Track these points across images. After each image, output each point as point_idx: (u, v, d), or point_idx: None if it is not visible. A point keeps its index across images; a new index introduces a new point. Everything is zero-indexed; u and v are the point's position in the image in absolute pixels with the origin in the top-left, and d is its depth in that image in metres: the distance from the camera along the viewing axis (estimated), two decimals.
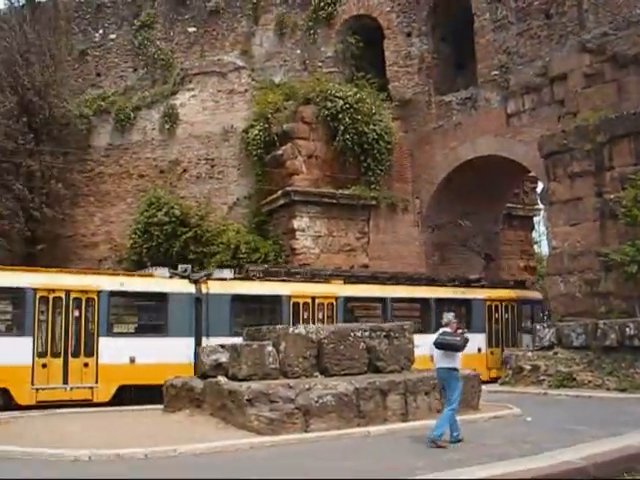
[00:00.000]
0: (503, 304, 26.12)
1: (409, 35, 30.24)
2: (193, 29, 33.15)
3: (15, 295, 18.54)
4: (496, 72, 27.12)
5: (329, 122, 27.95)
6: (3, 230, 26.76)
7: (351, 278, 23.99)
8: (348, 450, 11.30)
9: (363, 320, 21.19)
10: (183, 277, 21.05)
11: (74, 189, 30.77)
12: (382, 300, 23.62)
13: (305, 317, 21.92)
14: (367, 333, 15.00)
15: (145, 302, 21.00)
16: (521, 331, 26.14)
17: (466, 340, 11.92)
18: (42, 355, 18.18)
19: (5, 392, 17.40)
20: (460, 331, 12.13)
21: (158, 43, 33.17)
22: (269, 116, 28.84)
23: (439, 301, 24.32)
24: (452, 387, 11.83)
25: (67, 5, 33.13)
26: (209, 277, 21.43)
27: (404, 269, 26.96)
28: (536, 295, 28.10)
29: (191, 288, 20.64)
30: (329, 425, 12.70)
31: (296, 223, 27.20)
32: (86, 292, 18.94)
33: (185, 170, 30.90)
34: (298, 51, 31.83)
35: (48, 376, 18.10)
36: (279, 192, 27.78)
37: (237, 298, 21.12)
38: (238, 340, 19.74)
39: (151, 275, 21.16)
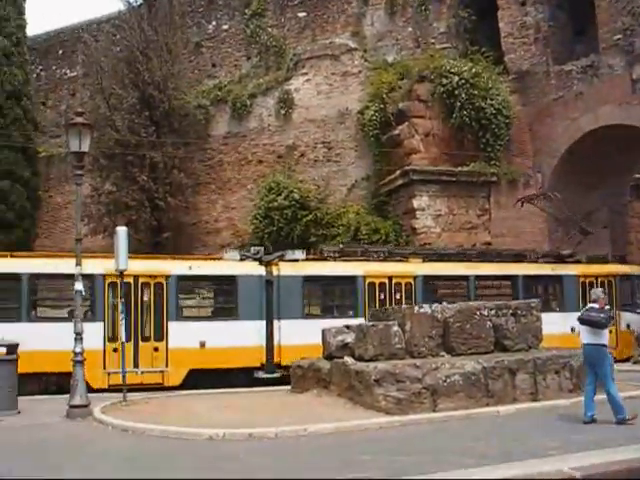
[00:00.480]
0: (599, 280, 24.10)
1: (523, 4, 29.22)
2: (303, 14, 33.29)
3: (86, 282, 18.55)
4: (619, 36, 25.90)
5: (445, 99, 27.51)
6: (131, 220, 27.77)
7: (433, 256, 23.03)
8: (478, 430, 11.15)
9: (447, 300, 20.36)
10: (254, 259, 20.84)
11: (195, 178, 31.58)
12: (465, 278, 22.51)
13: (381, 298, 21.25)
14: (493, 311, 14.77)
15: (214, 285, 21.16)
16: (621, 309, 24.28)
17: (609, 318, 11.56)
18: (113, 340, 18.50)
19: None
20: (607, 307, 11.79)
21: (270, 30, 33.50)
22: (384, 96, 28.62)
23: (528, 278, 23.10)
24: (601, 364, 11.47)
25: (181, 0, 33.93)
26: (281, 259, 21.13)
27: (527, 246, 26.24)
28: (638, 270, 26.09)
29: (261, 270, 20.37)
30: (457, 405, 12.60)
31: (416, 202, 26.95)
32: (155, 277, 19.15)
33: (302, 154, 31.13)
34: (410, 29, 31.40)
35: (119, 360, 18.36)
36: (397, 172, 27.57)
37: (309, 279, 20.78)
38: (309, 323, 19.81)
39: (221, 258, 21.19)
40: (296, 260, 21.07)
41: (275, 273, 20.39)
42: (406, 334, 14.10)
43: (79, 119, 14.79)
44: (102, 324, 18.54)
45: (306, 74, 31.73)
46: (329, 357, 14.74)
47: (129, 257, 18.03)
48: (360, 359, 13.79)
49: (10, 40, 32.69)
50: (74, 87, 38.53)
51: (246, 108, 32.22)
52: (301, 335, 19.37)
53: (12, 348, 14.45)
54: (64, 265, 18.79)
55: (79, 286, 14.78)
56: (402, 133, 27.85)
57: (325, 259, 21.67)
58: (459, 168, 27.32)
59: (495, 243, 27.17)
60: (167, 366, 18.94)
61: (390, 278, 21.48)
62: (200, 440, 10.86)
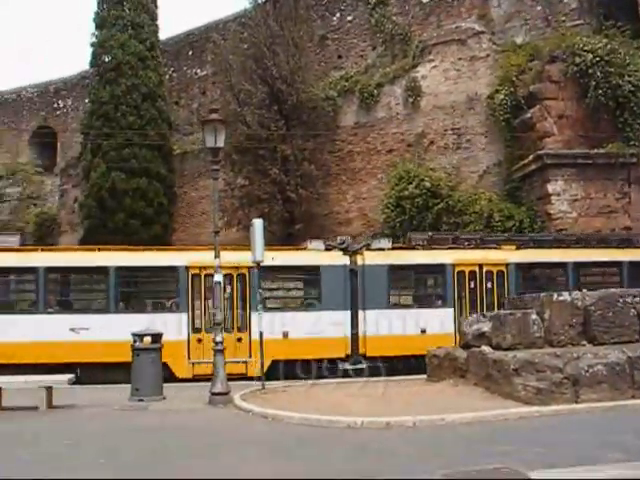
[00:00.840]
0: None
1: None
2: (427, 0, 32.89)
3: (172, 274, 19.61)
4: None
5: (578, 79, 26.45)
6: (263, 213, 28.24)
7: (529, 243, 22.09)
8: (624, 423, 10.74)
9: (544, 289, 18.50)
10: (340, 249, 20.70)
11: (326, 169, 31.75)
12: (563, 265, 21.25)
13: (471, 287, 20.71)
14: (637, 299, 14.14)
15: (298, 276, 21.02)
16: None
17: None
18: (197, 331, 19.13)
19: (165, 366, 17.86)
20: None
21: (394, 19, 33.23)
22: (514, 79, 27.87)
23: (634, 265, 21.28)
24: None
25: None
26: (368, 248, 20.91)
27: None
28: None
29: (345, 260, 20.20)
30: (600, 396, 12.16)
31: (550, 187, 25.98)
32: (238, 268, 19.43)
33: (432, 142, 30.69)
34: (539, 7, 30.36)
35: (203, 351, 18.67)
36: (530, 157, 26.68)
37: (395, 268, 20.41)
38: (396, 313, 19.61)
39: (304, 248, 21.14)
40: (382, 249, 20.77)
41: (360, 262, 20.23)
42: (545, 322, 13.75)
43: (214, 116, 15.25)
44: (186, 315, 19.16)
45: (433, 61, 31.26)
46: (465, 346, 14.60)
47: (208, 249, 18.41)
48: (497, 348, 13.57)
49: (145, 45, 33.98)
50: (204, 86, 39.66)
51: (374, 98, 32.09)
52: (387, 326, 19.25)
53: (157, 337, 15.04)
54: (146, 258, 19.99)
55: (218, 277, 15.24)
56: (534, 116, 27.00)
57: (414, 247, 21.29)
58: (595, 150, 26.16)
59: (636, 227, 25.95)
60: (250, 356, 19.00)
61: (481, 266, 20.91)
62: (338, 428, 11.00)
